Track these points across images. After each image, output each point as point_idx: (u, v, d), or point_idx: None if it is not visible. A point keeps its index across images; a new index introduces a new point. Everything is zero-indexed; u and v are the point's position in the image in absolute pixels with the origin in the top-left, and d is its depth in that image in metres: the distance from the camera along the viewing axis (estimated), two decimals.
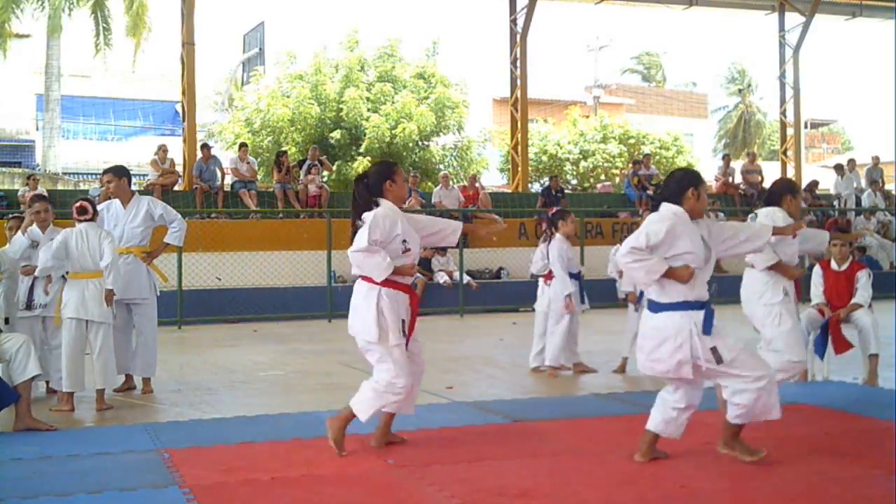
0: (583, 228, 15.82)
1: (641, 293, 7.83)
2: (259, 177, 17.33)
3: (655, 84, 46.07)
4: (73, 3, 23.98)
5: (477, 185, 17.38)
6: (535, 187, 23.26)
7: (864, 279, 6.99)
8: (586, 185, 26.30)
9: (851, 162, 20.48)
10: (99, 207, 6.85)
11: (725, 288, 7.45)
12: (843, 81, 71.64)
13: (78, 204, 6.41)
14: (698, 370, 4.36)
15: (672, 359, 4.34)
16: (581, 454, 4.77)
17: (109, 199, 7.17)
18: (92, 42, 24.36)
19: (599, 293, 14.38)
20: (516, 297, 14.22)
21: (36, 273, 6.40)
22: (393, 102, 21.95)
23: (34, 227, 6.76)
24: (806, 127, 31.82)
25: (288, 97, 22.46)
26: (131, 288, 6.88)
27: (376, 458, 4.71)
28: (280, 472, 4.43)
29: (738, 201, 18.53)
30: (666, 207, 4.49)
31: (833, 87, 73.83)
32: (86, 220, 6.37)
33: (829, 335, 6.88)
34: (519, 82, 19.29)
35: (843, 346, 6.85)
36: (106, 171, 7.22)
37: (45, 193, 12.83)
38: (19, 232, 6.88)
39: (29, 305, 6.60)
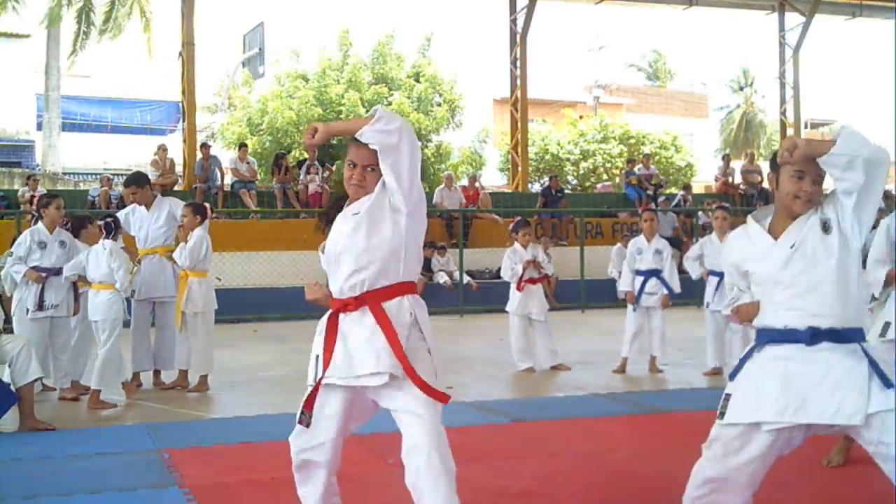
0: (583, 229, 15.82)
1: (640, 293, 7.84)
2: (259, 177, 17.31)
3: (659, 84, 45.97)
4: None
5: (477, 185, 17.36)
6: (536, 187, 23.24)
7: None
8: (587, 185, 26.28)
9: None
10: (124, 212, 7.34)
11: None
12: (843, 81, 71.40)
13: (101, 222, 6.79)
14: None
15: None
16: (581, 454, 4.77)
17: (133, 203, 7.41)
18: (70, 42, 24.34)
19: (599, 293, 14.41)
20: None
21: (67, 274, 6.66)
22: (389, 105, 21.94)
23: (40, 226, 6.77)
24: (806, 127, 31.77)
25: (292, 97, 22.44)
26: (157, 286, 7.12)
27: (376, 458, 4.71)
28: (280, 472, 4.42)
29: (739, 201, 18.52)
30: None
31: (833, 87, 73.72)
32: (103, 238, 6.60)
33: None
34: (519, 82, 19.27)
35: None
36: (128, 184, 7.50)
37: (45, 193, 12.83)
38: (25, 232, 6.88)
39: (41, 306, 6.62)
